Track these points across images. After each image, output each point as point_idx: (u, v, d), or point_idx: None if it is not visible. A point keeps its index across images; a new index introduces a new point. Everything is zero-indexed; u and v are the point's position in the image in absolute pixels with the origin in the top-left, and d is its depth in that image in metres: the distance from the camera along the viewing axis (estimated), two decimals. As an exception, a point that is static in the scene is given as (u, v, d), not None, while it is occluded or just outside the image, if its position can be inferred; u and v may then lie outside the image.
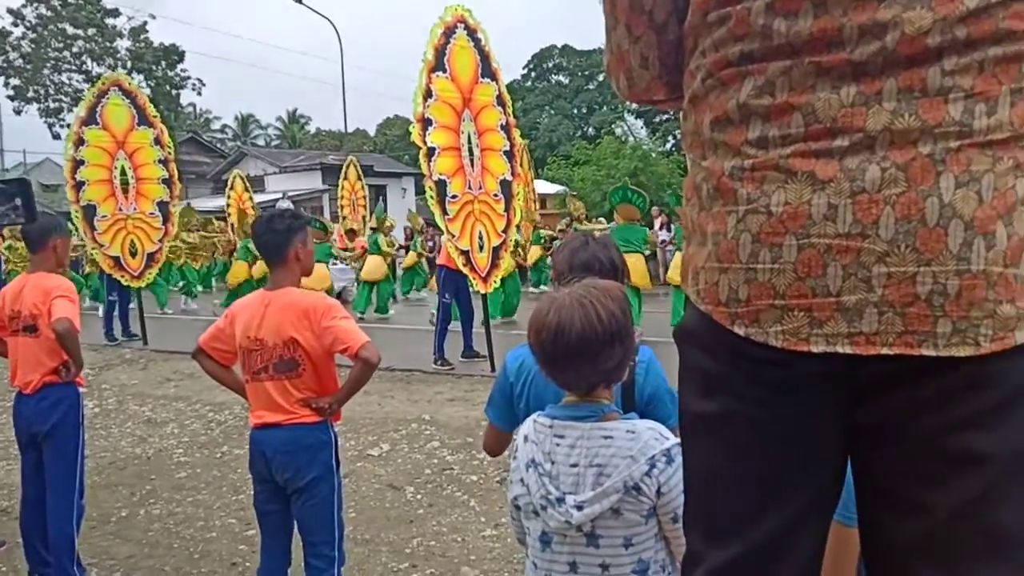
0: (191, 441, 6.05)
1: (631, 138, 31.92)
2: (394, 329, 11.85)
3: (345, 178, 18.54)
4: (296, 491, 2.81)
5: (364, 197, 18.77)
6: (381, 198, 28.54)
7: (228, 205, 18.32)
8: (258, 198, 21.89)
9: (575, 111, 42.66)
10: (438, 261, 8.77)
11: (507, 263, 11.75)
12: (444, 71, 7.20)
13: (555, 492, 1.57)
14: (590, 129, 40.28)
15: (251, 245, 13.38)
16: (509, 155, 7.83)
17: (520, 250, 12.19)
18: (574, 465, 1.59)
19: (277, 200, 20.50)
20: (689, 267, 1.14)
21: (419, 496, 4.64)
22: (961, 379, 0.98)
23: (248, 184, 19.01)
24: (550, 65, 45.23)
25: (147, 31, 36.38)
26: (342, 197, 18.44)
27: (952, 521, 1.00)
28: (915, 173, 0.95)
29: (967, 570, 1.00)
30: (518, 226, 9.92)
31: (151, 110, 10.17)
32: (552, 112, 42.35)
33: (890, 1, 0.96)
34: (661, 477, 1.54)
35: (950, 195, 0.94)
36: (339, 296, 14.44)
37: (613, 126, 36.95)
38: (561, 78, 45.00)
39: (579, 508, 1.54)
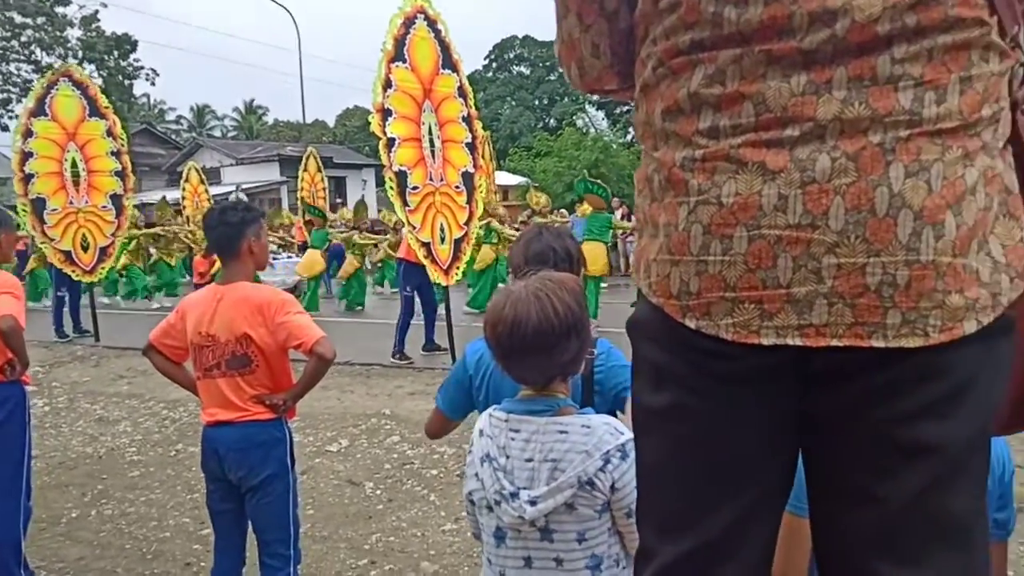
0: (144, 439, 5.92)
1: (592, 129, 32.05)
2: (354, 323, 11.76)
3: (305, 170, 18.33)
4: (250, 489, 2.76)
5: (324, 189, 18.57)
6: (340, 192, 28.30)
7: (183, 198, 18.01)
8: (214, 190, 21.57)
9: (536, 102, 42.62)
10: (398, 255, 8.70)
11: (487, 254, 11.78)
12: (404, 61, 7.13)
13: (509, 487, 1.55)
14: (551, 120, 40.30)
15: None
16: (471, 147, 7.78)
17: (502, 243, 12.20)
18: (529, 460, 1.57)
19: (230, 193, 20.16)
20: (641, 259, 1.12)
21: (378, 491, 4.60)
22: (911, 370, 0.97)
23: (204, 176, 18.70)
24: (511, 56, 45.13)
25: (99, 20, 35.42)
26: (302, 189, 18.23)
27: (903, 511, 1.00)
28: (865, 163, 0.94)
29: (919, 559, 1.00)
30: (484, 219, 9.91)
31: (103, 101, 9.91)
32: (513, 103, 42.28)
33: None
34: (615, 473, 1.52)
35: (900, 184, 0.93)
36: (292, 290, 14.34)
37: (574, 117, 37.05)
38: (522, 69, 44.92)
39: (533, 503, 1.52)
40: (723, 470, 1.07)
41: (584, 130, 31.26)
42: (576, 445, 1.55)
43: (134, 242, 14.58)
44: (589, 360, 1.96)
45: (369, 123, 7.21)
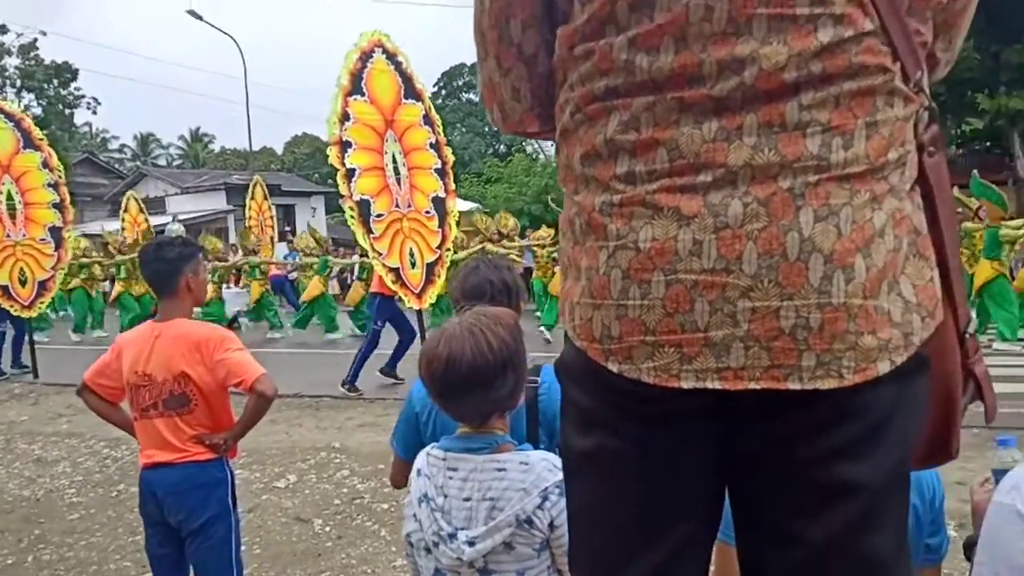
0: (84, 480, 5.73)
1: (541, 155, 32.27)
2: (304, 353, 11.60)
3: (252, 198, 18.11)
4: (190, 533, 2.68)
5: (272, 217, 18.36)
6: (289, 220, 28.03)
7: (123, 228, 17.64)
8: (159, 220, 21.15)
9: (486, 129, 42.73)
10: (372, 289, 8.65)
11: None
12: (362, 95, 7.16)
13: (447, 528, 1.54)
14: (501, 146, 40.51)
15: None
16: (441, 173, 7.82)
17: None
18: (467, 499, 1.56)
19: (167, 224, 19.71)
20: (565, 302, 1.12)
21: (327, 528, 4.52)
22: (829, 410, 0.98)
23: (144, 206, 18.35)
24: (460, 83, 45.32)
25: (37, 48, 34.71)
26: (249, 218, 18.00)
27: (826, 551, 1.01)
28: (776, 208, 0.95)
29: None
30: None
31: (37, 133, 9.70)
32: (463, 130, 42.39)
33: (747, 37, 0.96)
34: (553, 511, 1.52)
35: (810, 229, 0.95)
36: (233, 320, 14.20)
37: (524, 143, 37.30)
38: (472, 96, 45.08)
39: (471, 544, 1.51)
40: (651, 512, 1.08)
41: (534, 156, 31.50)
42: (514, 483, 1.54)
43: (123, 268, 14.36)
44: (533, 389, 1.96)
45: (319, 150, 7.22)
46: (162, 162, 49.18)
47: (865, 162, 0.96)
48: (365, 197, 7.09)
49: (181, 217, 23.93)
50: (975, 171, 10.60)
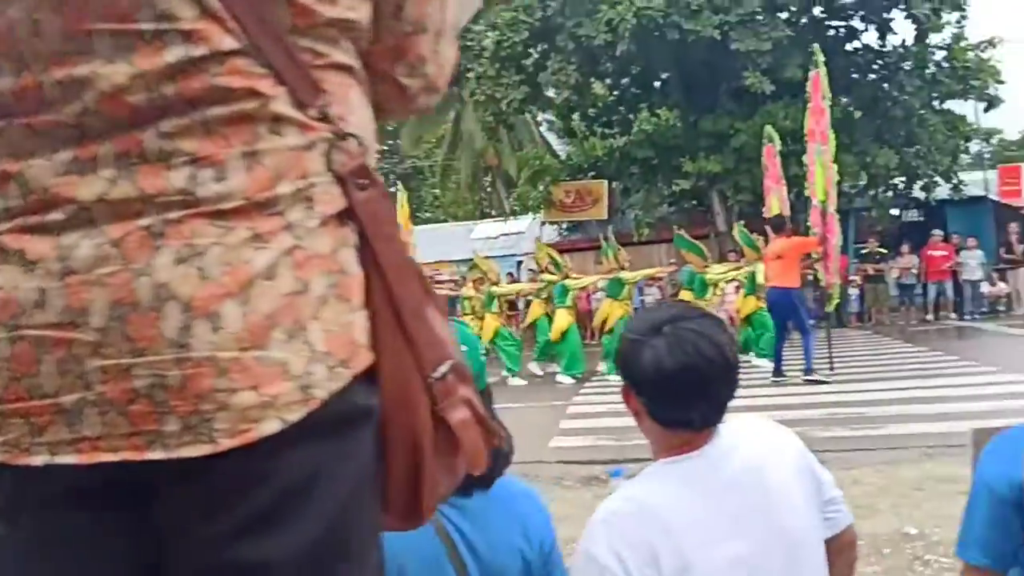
0: None
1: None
2: None
3: None
4: None
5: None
6: None
7: None
8: None
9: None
10: None
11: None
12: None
13: None
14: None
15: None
16: None
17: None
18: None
19: None
20: None
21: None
22: (224, 481, 0.85)
23: None
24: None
25: None
26: None
27: None
28: (130, 249, 0.82)
29: None
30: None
31: None
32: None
33: (90, 55, 0.83)
34: None
35: (167, 273, 0.82)
36: None
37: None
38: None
39: None
40: None
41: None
42: None
43: None
44: None
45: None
46: None
47: (242, 197, 0.85)
48: None
49: None
50: (676, 228, 12.88)
